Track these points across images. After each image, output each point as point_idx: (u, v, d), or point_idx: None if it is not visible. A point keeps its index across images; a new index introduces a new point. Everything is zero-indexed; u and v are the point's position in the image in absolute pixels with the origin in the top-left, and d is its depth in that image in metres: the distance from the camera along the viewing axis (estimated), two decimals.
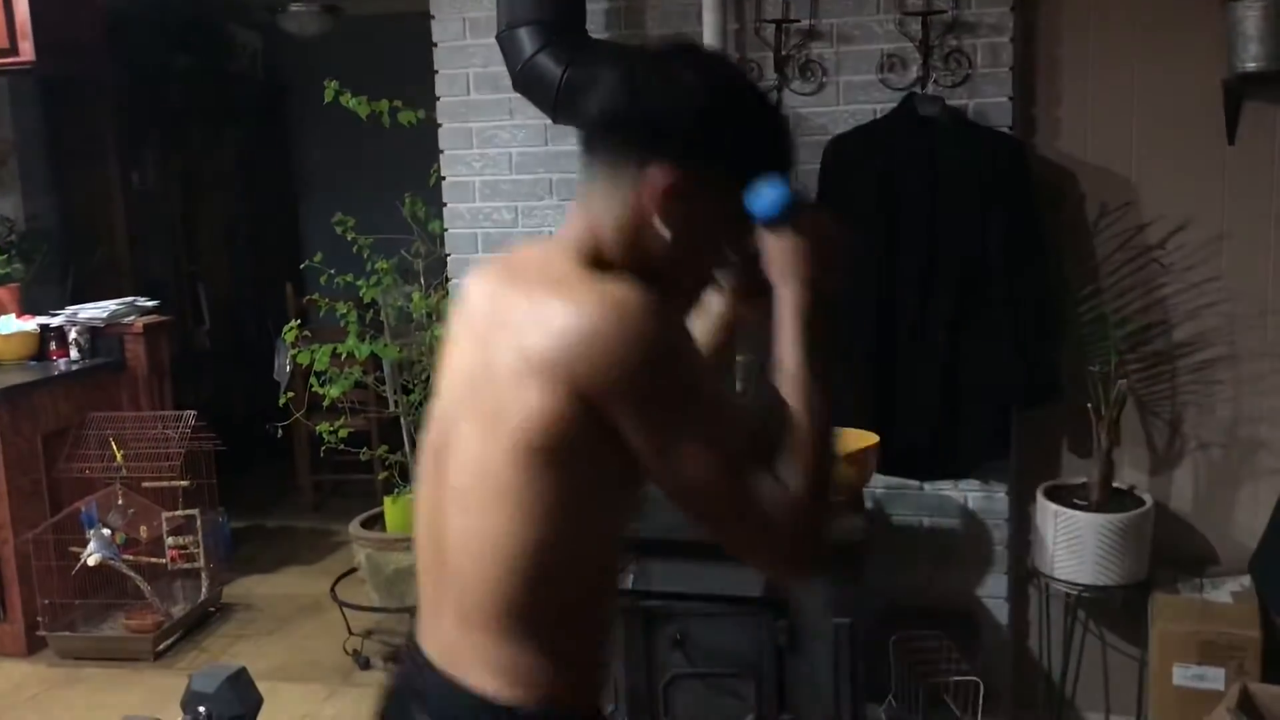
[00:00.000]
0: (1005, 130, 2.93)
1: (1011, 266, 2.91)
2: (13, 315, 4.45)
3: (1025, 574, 3.13)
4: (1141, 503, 2.94)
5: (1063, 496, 2.99)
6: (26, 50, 4.03)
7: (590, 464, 1.18)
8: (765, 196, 1.21)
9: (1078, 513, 2.89)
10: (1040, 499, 3.00)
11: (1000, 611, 3.14)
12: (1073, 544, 2.89)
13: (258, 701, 2.40)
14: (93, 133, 5.61)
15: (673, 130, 1.19)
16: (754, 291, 1.33)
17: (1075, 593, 2.93)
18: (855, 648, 2.55)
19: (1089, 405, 2.92)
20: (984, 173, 2.88)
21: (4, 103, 5.35)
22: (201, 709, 2.30)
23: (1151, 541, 2.94)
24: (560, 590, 1.24)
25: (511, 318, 1.21)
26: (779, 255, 1.24)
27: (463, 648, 1.25)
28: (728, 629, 2.59)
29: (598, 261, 1.22)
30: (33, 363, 4.36)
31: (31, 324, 4.42)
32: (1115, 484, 3.00)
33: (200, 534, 4.11)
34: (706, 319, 1.49)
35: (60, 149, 5.63)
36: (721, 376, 1.25)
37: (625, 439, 1.16)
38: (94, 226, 5.61)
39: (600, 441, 1.16)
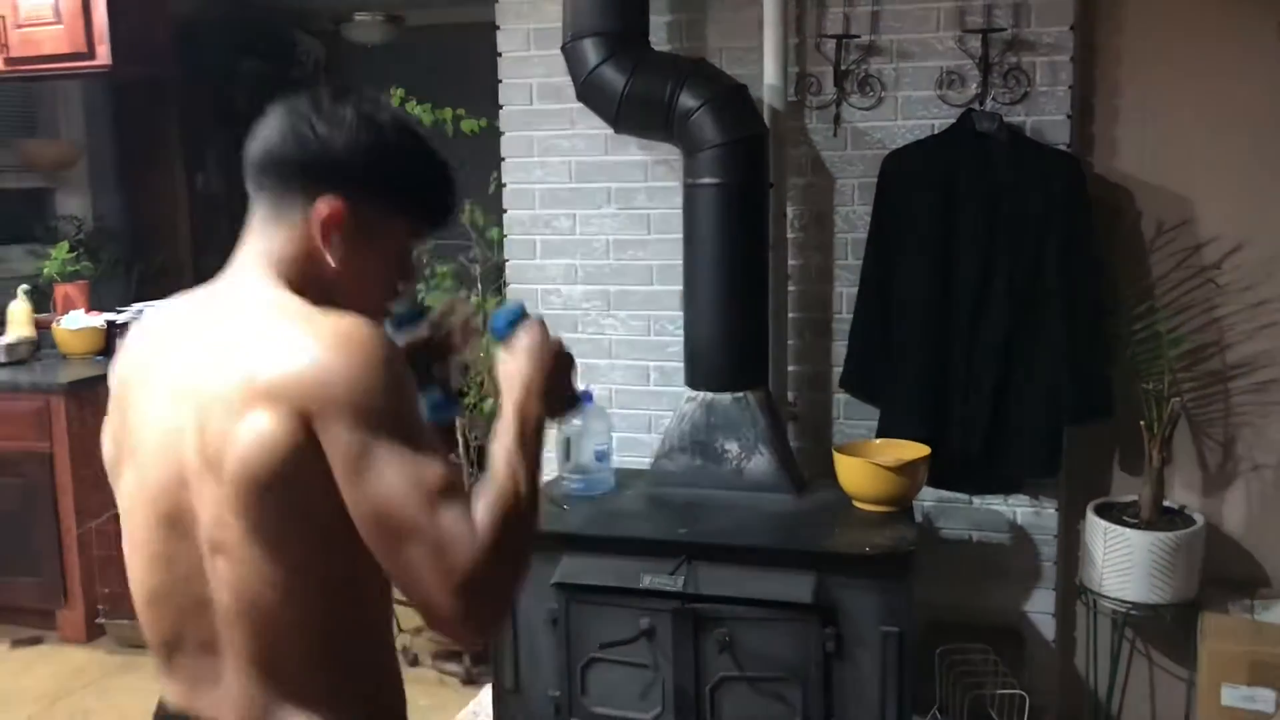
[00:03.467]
0: (1063, 148, 2.95)
1: (1066, 283, 2.92)
2: (81, 310, 4.57)
3: (1073, 590, 3.13)
4: (1192, 522, 2.94)
5: (1113, 514, 3.00)
6: (103, 54, 4.15)
7: (324, 491, 1.16)
8: (501, 317, 1.39)
9: (1128, 530, 2.89)
10: (1090, 515, 3.00)
11: (1047, 627, 3.15)
12: (1122, 561, 2.89)
13: None
14: (159, 136, 5.75)
15: (332, 163, 1.26)
16: (435, 347, 1.51)
17: (1124, 610, 2.93)
18: (903, 657, 2.57)
19: (1141, 423, 2.92)
20: (1040, 190, 2.90)
21: (76, 106, 5.50)
22: None
23: (1202, 561, 2.94)
24: (342, 622, 1.26)
25: (223, 352, 1.22)
26: (510, 361, 1.35)
27: (262, 701, 1.25)
28: (775, 634, 2.61)
29: (300, 288, 1.27)
30: (99, 357, 4.48)
31: (98, 319, 4.53)
32: (1166, 503, 3.00)
33: None
34: None
35: (128, 151, 5.77)
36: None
37: (328, 461, 1.16)
38: (158, 226, 5.74)
39: (318, 463, 1.16)
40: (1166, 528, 2.90)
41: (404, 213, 1.32)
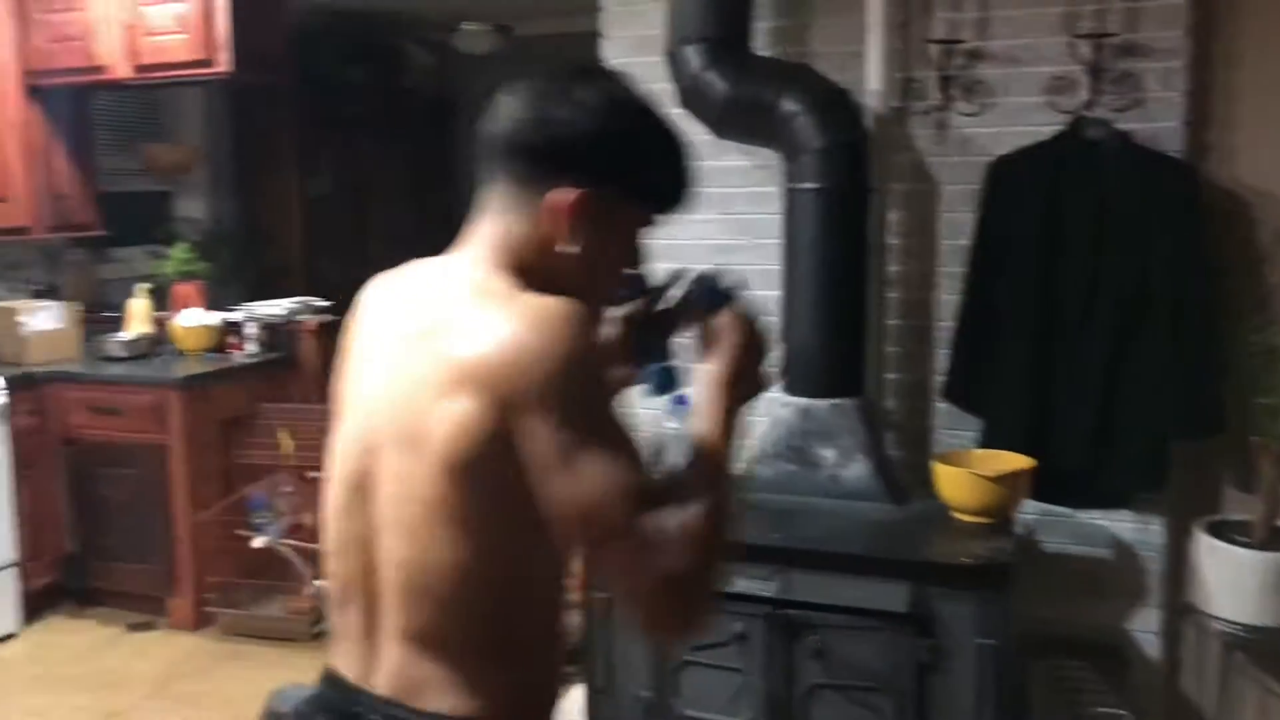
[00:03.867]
0: (1175, 155, 2.87)
1: (1177, 293, 2.85)
2: (197, 309, 4.74)
3: (1180, 610, 3.04)
4: None
5: (1223, 532, 2.90)
6: (223, 62, 4.29)
7: (516, 477, 1.17)
8: (707, 291, 1.37)
9: (1239, 549, 2.80)
10: (1199, 533, 2.91)
11: (1152, 647, 3.06)
12: (1232, 582, 2.80)
13: None
14: (274, 141, 5.95)
15: (576, 151, 1.24)
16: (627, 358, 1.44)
17: (1234, 632, 2.83)
18: (1000, 670, 2.52)
19: (1255, 439, 2.83)
20: (1151, 197, 2.83)
21: (197, 112, 5.72)
22: None
23: None
24: (511, 605, 1.26)
25: (436, 330, 1.23)
26: (714, 337, 1.33)
27: (416, 673, 1.25)
28: (869, 643, 2.59)
29: (522, 273, 1.25)
30: (213, 354, 4.64)
31: (212, 317, 4.69)
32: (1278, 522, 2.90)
33: None
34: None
35: (244, 155, 5.98)
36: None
37: (526, 450, 1.15)
38: (272, 228, 5.94)
39: (511, 451, 1.16)
40: None
41: (643, 199, 1.30)
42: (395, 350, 1.28)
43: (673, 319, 1.45)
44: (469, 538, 1.20)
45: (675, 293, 1.45)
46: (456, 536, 1.20)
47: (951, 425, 3.17)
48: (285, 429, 4.34)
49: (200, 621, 4.29)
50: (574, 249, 1.24)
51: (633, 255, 1.34)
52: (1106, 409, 2.93)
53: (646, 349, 1.44)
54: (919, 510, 2.85)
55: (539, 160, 1.25)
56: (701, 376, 1.29)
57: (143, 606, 4.38)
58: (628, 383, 1.43)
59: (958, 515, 2.76)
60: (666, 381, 1.47)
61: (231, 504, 4.29)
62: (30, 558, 4.27)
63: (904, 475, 3.04)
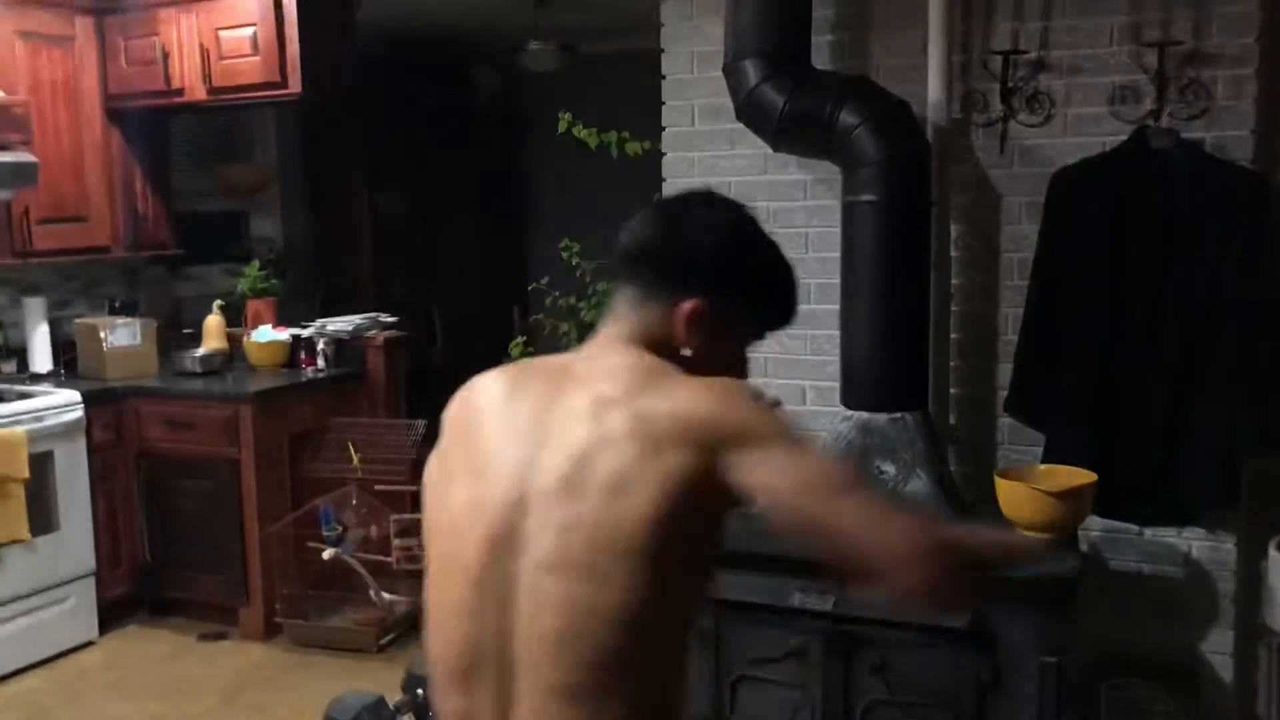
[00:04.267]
0: (1246, 164, 2.82)
1: (1247, 305, 2.79)
2: (269, 325, 4.84)
3: (1254, 631, 2.96)
4: None
5: None
6: (295, 83, 4.39)
7: (709, 521, 1.31)
8: None
9: None
10: (1272, 552, 2.84)
11: (1225, 669, 2.98)
12: None
13: None
14: (344, 161, 6.06)
15: (700, 268, 1.40)
16: None
17: None
18: (1062, 688, 2.48)
19: None
20: (1219, 207, 2.78)
21: (270, 134, 5.85)
22: (420, 690, 2.46)
23: None
24: (667, 645, 1.32)
25: (621, 400, 1.31)
26: None
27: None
28: (929, 660, 2.57)
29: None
30: (284, 369, 4.74)
31: (285, 334, 4.80)
32: None
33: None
34: None
35: (315, 176, 6.10)
36: None
37: (749, 481, 1.25)
38: (342, 247, 6.05)
39: (721, 499, 1.27)
40: None
41: (754, 315, 1.46)
42: (550, 423, 1.34)
43: None
44: (653, 580, 1.25)
45: None
46: (642, 580, 1.25)
47: (1016, 440, 3.13)
48: (353, 443, 4.41)
49: (270, 632, 4.36)
50: (688, 352, 1.39)
51: (740, 366, 1.48)
52: (1175, 423, 2.87)
53: None
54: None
55: (668, 273, 1.40)
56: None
57: (215, 616, 4.47)
58: None
59: (1021, 531, 2.72)
60: None
61: (301, 516, 4.36)
62: (108, 567, 4.38)
63: (967, 490, 3.01)
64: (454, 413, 1.45)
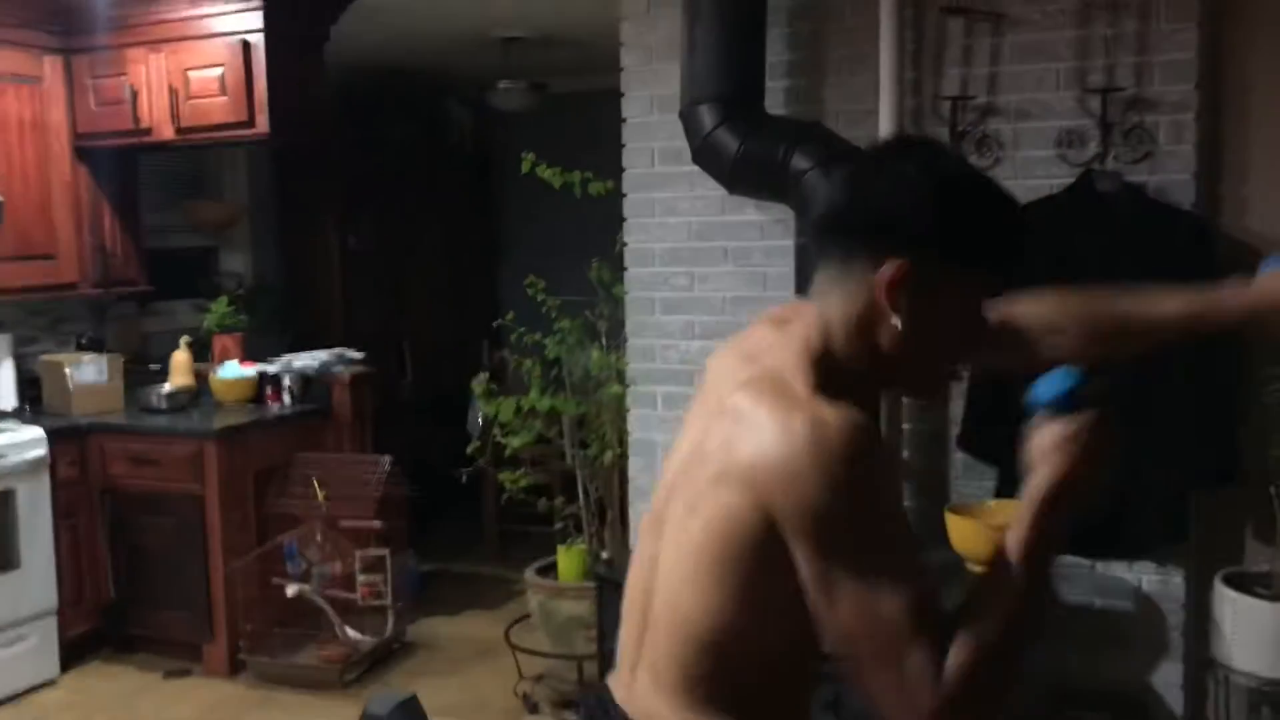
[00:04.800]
0: (1188, 208, 2.89)
1: (1194, 348, 2.84)
2: (236, 361, 4.86)
3: (1203, 663, 3.01)
4: None
5: (1244, 584, 2.88)
6: (262, 123, 4.44)
7: (770, 571, 1.18)
8: (1050, 382, 1.21)
9: (1258, 601, 2.78)
10: (1218, 585, 2.89)
11: (1175, 701, 3.03)
12: (1253, 635, 2.77)
13: None
14: (315, 197, 6.11)
15: (896, 222, 1.21)
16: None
17: (1255, 686, 2.80)
18: None
19: (1272, 490, 2.81)
20: (1164, 250, 2.85)
21: (240, 169, 5.89)
22: None
23: None
24: (747, 676, 1.26)
25: (731, 412, 1.24)
26: (1047, 438, 1.22)
27: (654, 707, 1.31)
28: None
29: (829, 361, 1.24)
30: (250, 405, 4.75)
31: (251, 370, 4.81)
32: None
33: (390, 573, 4.36)
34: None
35: (286, 212, 6.14)
36: (906, 523, 1.20)
37: (802, 572, 1.16)
38: (312, 283, 6.08)
39: (781, 553, 1.17)
40: None
41: (975, 265, 1.24)
42: (706, 417, 1.32)
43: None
44: (703, 602, 1.24)
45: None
46: (697, 597, 1.24)
47: (969, 475, 3.18)
48: (319, 479, 4.43)
49: (234, 668, 4.35)
50: (898, 324, 1.21)
51: (976, 327, 1.28)
52: (1124, 459, 2.92)
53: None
54: (935, 561, 2.85)
55: (858, 237, 1.23)
56: (1032, 483, 1.21)
57: (179, 653, 4.46)
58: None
59: (971, 567, 2.77)
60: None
61: (266, 553, 4.37)
62: (70, 605, 4.37)
63: (922, 525, 3.05)
64: (698, 391, 1.44)
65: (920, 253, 1.20)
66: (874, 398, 1.32)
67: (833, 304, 1.26)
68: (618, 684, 1.39)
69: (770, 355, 1.29)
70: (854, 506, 1.13)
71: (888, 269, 1.20)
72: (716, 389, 1.34)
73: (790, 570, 1.16)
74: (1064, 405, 1.22)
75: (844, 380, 1.22)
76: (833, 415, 1.15)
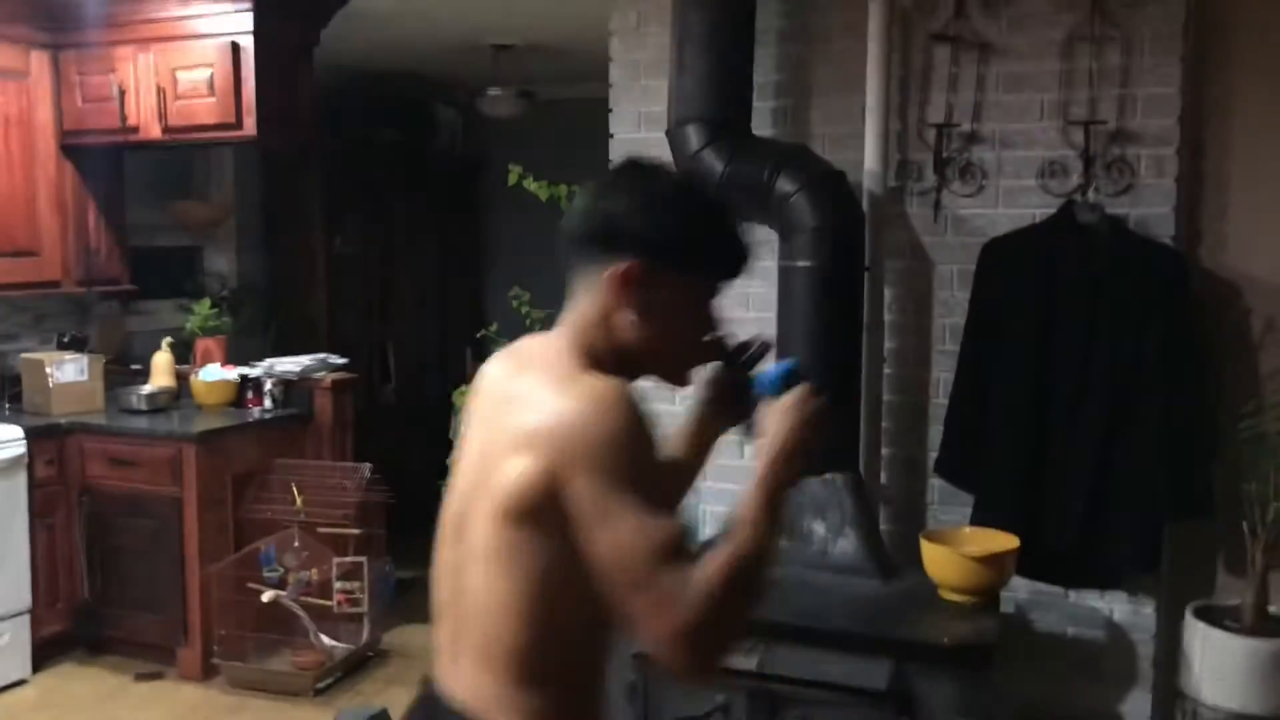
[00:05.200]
0: (1167, 241, 2.91)
1: (1168, 378, 2.87)
2: (218, 364, 4.84)
3: (1172, 694, 3.03)
4: None
5: (1214, 617, 2.90)
6: (250, 125, 4.42)
7: (560, 533, 1.31)
8: (769, 373, 1.41)
9: (1226, 635, 2.80)
10: (1189, 618, 2.91)
11: None
12: (1221, 668, 2.80)
13: None
14: (302, 199, 6.09)
15: (622, 229, 1.40)
16: (727, 413, 1.58)
17: (1221, 718, 2.82)
18: None
19: (1245, 525, 2.84)
20: (1142, 283, 2.87)
21: (227, 170, 5.87)
22: None
23: None
24: (553, 646, 1.39)
25: (515, 400, 1.40)
26: (773, 411, 1.42)
27: (478, 691, 1.42)
28: (850, 719, 2.61)
29: (589, 350, 1.41)
30: (231, 409, 4.73)
31: (232, 374, 4.79)
32: (1272, 609, 2.89)
33: (366, 581, 4.35)
34: (683, 430, 1.65)
35: (272, 213, 6.12)
36: (662, 477, 1.38)
37: (573, 510, 1.29)
38: (297, 286, 6.06)
39: (563, 512, 1.30)
40: (1270, 634, 2.80)
41: (694, 268, 1.41)
42: (489, 414, 1.46)
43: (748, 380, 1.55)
44: (510, 577, 1.36)
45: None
46: (501, 574, 1.37)
47: (946, 501, 3.20)
48: (297, 485, 4.42)
49: (207, 673, 4.33)
50: (631, 316, 1.39)
51: (704, 324, 1.46)
52: (1098, 489, 2.95)
53: (743, 400, 1.52)
54: (907, 586, 2.87)
55: (597, 242, 1.41)
56: (767, 450, 1.38)
57: (152, 656, 4.44)
58: (741, 421, 1.55)
59: (945, 594, 2.78)
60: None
61: (242, 557, 4.35)
62: (44, 605, 4.35)
63: (898, 550, 3.06)
64: (470, 400, 1.55)
65: (644, 255, 1.37)
66: (631, 379, 1.44)
67: (583, 303, 1.43)
68: (442, 674, 1.49)
69: (538, 353, 1.46)
70: (618, 453, 1.28)
71: (616, 268, 1.38)
72: (492, 392, 1.49)
73: (570, 529, 1.30)
74: (784, 386, 1.44)
75: (603, 365, 1.39)
76: (602, 381, 1.33)
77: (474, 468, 1.44)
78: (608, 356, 1.41)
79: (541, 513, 1.31)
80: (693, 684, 1.36)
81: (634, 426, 1.30)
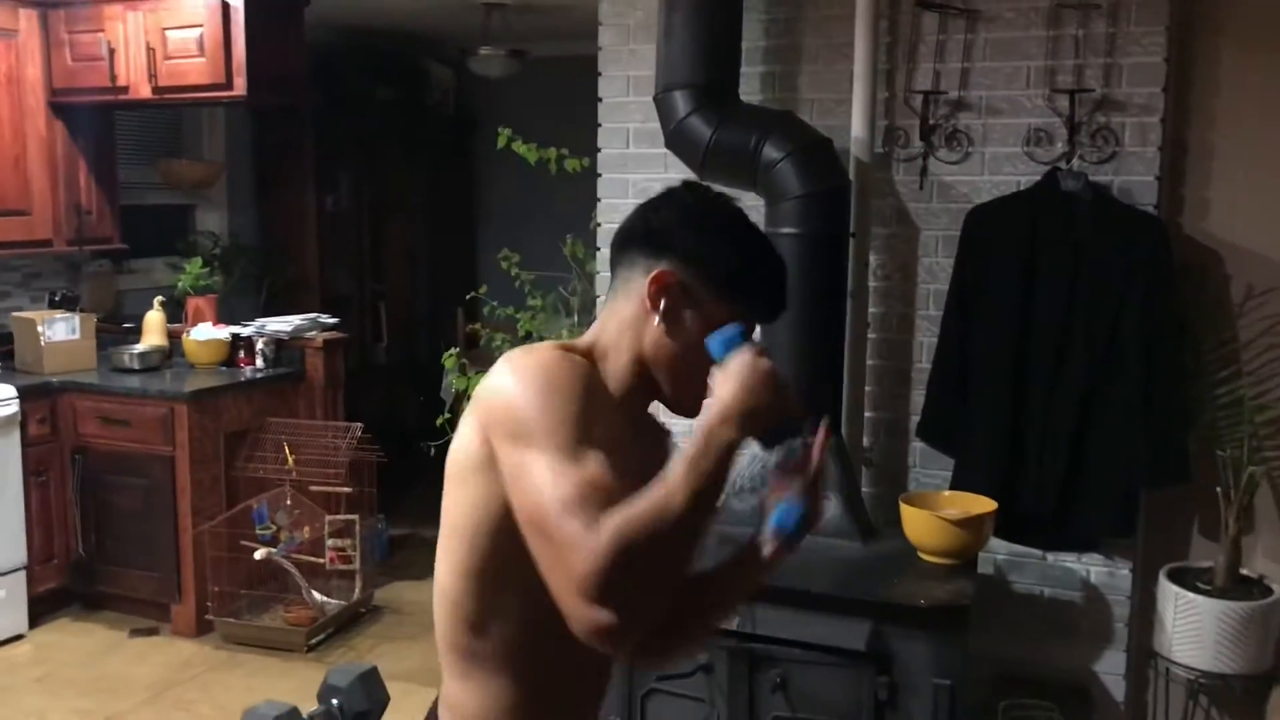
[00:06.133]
0: (1150, 209, 2.94)
1: (1147, 344, 2.91)
2: (209, 323, 4.87)
3: (1145, 654, 3.09)
4: (1270, 592, 2.89)
5: (1187, 579, 2.96)
6: (240, 85, 4.42)
7: (490, 495, 1.32)
8: (717, 338, 1.36)
9: (1198, 596, 2.86)
10: (1162, 580, 2.97)
11: (1117, 690, 3.12)
12: (1192, 628, 2.86)
13: (384, 700, 2.60)
14: (294, 158, 6.07)
15: (673, 234, 1.41)
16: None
17: (1193, 678, 2.89)
18: (955, 710, 2.59)
19: (1219, 489, 2.89)
20: (1124, 250, 2.90)
21: (219, 129, 5.86)
22: (334, 701, 2.52)
23: (1279, 633, 2.89)
24: (490, 634, 1.39)
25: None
26: (722, 374, 1.33)
27: (444, 659, 1.46)
28: (829, 679, 2.67)
29: (606, 353, 1.43)
30: (222, 368, 4.77)
31: (224, 332, 4.82)
32: (1244, 571, 2.95)
33: (358, 538, 4.41)
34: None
35: (264, 172, 6.12)
36: (589, 433, 1.29)
37: (502, 471, 1.30)
38: (289, 244, 6.07)
39: (498, 477, 1.31)
40: (1241, 597, 2.86)
41: (728, 298, 1.38)
42: None
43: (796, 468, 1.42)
44: (454, 542, 1.38)
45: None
46: (449, 539, 1.39)
47: (927, 464, 3.25)
48: (289, 443, 4.46)
49: (201, 629, 4.40)
50: (659, 325, 1.39)
51: (696, 352, 1.39)
52: (1076, 453, 3.00)
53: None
54: (887, 549, 2.91)
55: (643, 246, 1.41)
56: (705, 410, 1.32)
57: (147, 612, 4.50)
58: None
59: (923, 556, 2.83)
60: (790, 524, 1.40)
61: (235, 515, 4.40)
62: (39, 562, 4.40)
63: (880, 513, 3.11)
64: None
65: (684, 266, 1.38)
66: (643, 397, 1.46)
67: (615, 304, 1.44)
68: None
69: None
70: (551, 407, 1.28)
71: (657, 272, 1.38)
72: None
73: (495, 494, 1.31)
74: (731, 350, 1.38)
75: (619, 369, 1.42)
76: (541, 351, 1.35)
77: None
78: (629, 364, 1.42)
79: (478, 474, 1.34)
80: (601, 645, 1.24)
81: (558, 385, 1.29)
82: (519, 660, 1.41)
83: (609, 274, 1.48)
